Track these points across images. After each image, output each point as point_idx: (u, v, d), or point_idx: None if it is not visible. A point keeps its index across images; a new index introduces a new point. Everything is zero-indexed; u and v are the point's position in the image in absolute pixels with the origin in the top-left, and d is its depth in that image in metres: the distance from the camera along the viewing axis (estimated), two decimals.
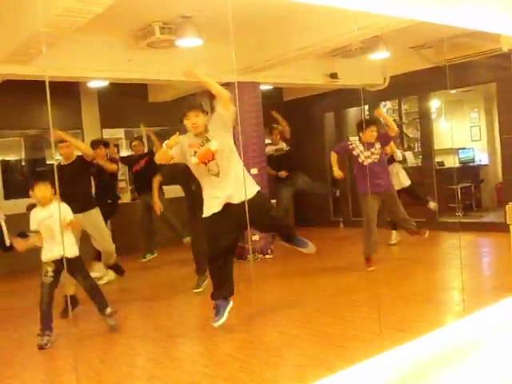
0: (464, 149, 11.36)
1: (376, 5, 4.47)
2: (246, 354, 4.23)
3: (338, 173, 6.85)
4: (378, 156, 6.76)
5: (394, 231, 8.56)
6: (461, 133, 11.68)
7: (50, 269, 4.84)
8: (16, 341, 5.17)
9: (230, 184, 4.61)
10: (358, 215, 8.03)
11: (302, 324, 4.90)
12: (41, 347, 4.74)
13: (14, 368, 4.42)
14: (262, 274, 7.12)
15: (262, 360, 4.06)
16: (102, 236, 6.58)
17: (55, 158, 9.68)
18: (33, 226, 4.89)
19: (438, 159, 10.34)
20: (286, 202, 8.94)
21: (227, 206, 4.62)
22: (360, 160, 6.77)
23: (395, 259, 7.50)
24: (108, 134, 10.07)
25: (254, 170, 8.35)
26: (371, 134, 6.73)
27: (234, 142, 4.84)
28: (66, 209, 4.90)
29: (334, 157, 6.92)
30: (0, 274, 8.13)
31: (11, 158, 9.91)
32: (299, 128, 11.44)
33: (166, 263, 8.39)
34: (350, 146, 6.88)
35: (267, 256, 8.37)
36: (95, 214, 6.48)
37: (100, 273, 7.18)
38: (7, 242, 7.03)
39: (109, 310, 5.06)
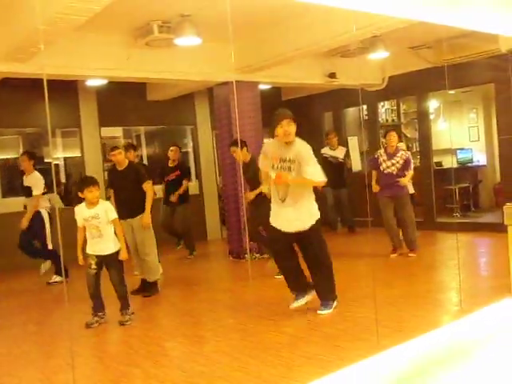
0: (462, 149, 11.36)
1: (375, 5, 4.48)
2: (243, 354, 4.23)
3: (376, 188, 7.62)
4: (397, 169, 7.51)
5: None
6: (459, 133, 11.67)
7: (93, 262, 5.23)
8: (13, 338, 5.17)
9: (291, 214, 4.87)
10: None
11: (300, 323, 4.90)
12: (88, 325, 5.19)
13: (11, 366, 4.42)
14: (260, 273, 7.11)
15: (260, 359, 4.06)
16: (150, 248, 6.36)
17: (53, 157, 9.71)
18: (80, 222, 5.21)
19: (436, 159, 10.35)
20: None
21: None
22: (381, 168, 7.57)
23: (392, 259, 7.50)
24: (106, 132, 10.06)
25: None
26: (391, 138, 7.55)
27: None
28: (110, 209, 5.29)
29: (374, 174, 7.74)
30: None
31: (9, 156, 9.90)
32: (298, 127, 11.42)
33: (169, 260, 8.40)
34: (376, 156, 7.73)
35: (265, 255, 8.36)
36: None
37: None
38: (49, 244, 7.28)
39: (129, 311, 5.37)
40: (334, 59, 9.02)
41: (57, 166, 10.01)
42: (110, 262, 5.26)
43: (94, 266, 5.22)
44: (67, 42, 6.15)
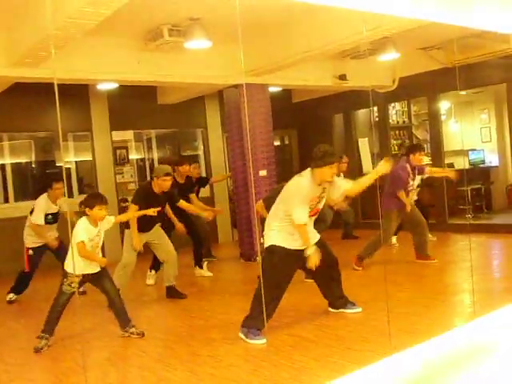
0: (474, 150, 11.29)
1: (385, 6, 4.46)
2: (255, 357, 4.22)
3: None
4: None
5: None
6: (471, 134, 11.61)
7: (77, 280, 4.85)
8: (26, 342, 5.18)
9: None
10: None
11: (312, 326, 4.88)
12: (37, 350, 4.74)
13: (25, 369, 4.44)
14: None
15: (272, 362, 4.05)
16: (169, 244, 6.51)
17: (64, 161, 9.76)
18: (83, 237, 4.80)
19: (447, 161, 10.29)
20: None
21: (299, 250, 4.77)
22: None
23: (404, 261, 7.45)
24: (117, 136, 10.09)
25: (263, 172, 8.34)
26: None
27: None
28: (107, 221, 5.01)
29: None
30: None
31: (21, 160, 9.95)
32: (308, 129, 11.46)
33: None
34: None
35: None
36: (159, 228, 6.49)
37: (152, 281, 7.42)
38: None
39: (132, 323, 5.05)
40: (345, 61, 8.99)
41: (68, 169, 10.05)
42: (102, 275, 4.98)
43: (75, 285, 4.81)
44: (78, 47, 6.18)
